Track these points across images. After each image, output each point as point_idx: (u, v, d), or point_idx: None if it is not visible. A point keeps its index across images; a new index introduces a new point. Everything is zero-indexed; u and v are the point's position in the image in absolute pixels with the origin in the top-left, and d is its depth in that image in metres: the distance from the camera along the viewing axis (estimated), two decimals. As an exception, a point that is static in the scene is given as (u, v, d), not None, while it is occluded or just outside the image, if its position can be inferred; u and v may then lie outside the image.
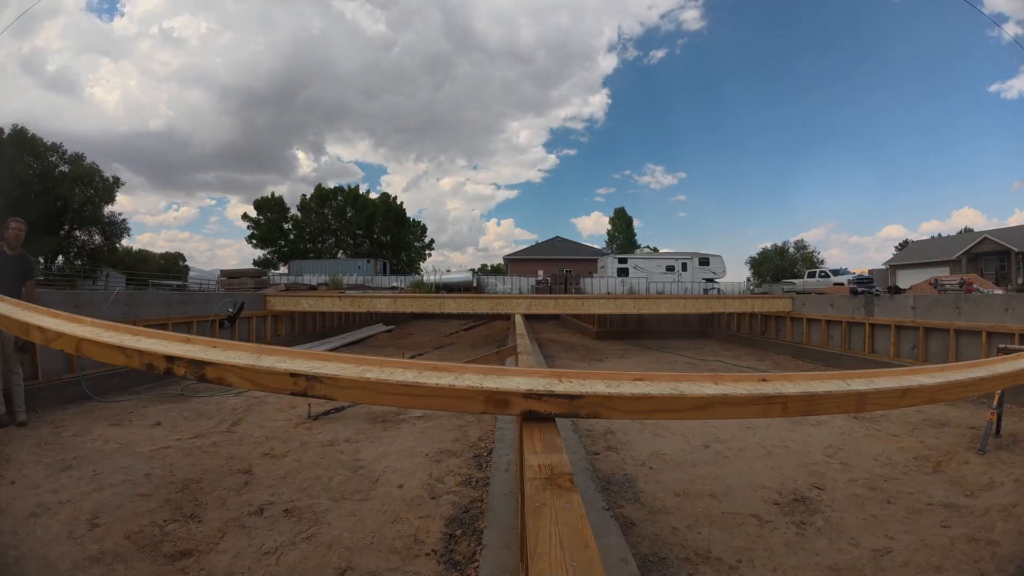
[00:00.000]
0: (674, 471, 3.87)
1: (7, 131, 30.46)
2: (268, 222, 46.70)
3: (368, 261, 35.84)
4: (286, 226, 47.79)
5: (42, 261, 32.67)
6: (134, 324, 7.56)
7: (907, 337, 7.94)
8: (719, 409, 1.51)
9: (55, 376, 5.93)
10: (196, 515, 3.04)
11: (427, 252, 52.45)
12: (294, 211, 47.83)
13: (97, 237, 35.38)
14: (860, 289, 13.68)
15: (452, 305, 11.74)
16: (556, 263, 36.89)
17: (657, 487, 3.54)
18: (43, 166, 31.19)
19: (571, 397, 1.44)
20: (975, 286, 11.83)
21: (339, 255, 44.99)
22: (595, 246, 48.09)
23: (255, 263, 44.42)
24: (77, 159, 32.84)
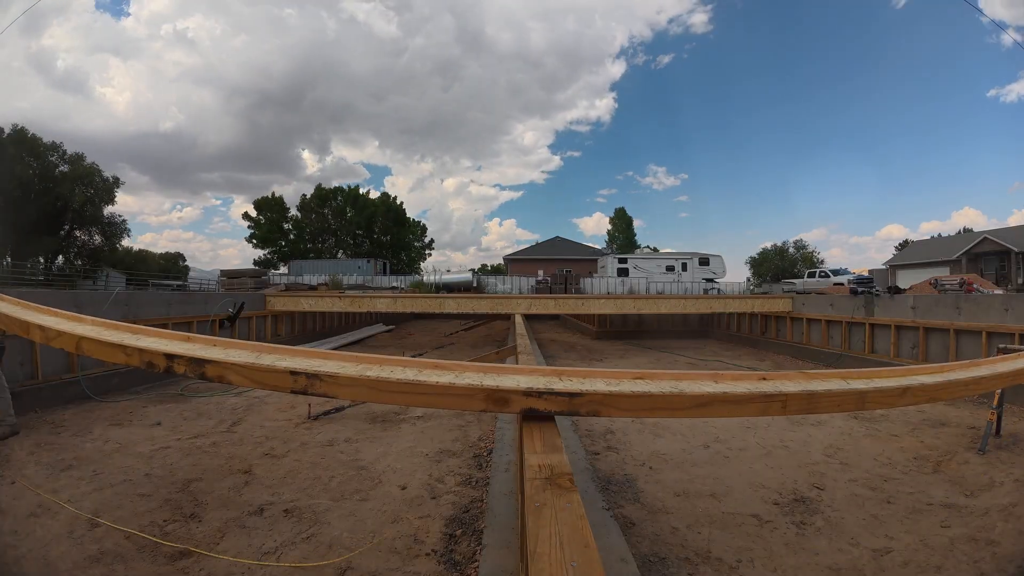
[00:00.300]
0: (674, 471, 3.87)
1: (7, 131, 30.46)
2: (268, 222, 46.70)
3: (368, 261, 35.81)
4: (286, 226, 47.79)
5: (42, 261, 32.69)
6: (134, 324, 7.55)
7: (907, 337, 7.93)
8: (719, 407, 1.51)
9: (55, 376, 5.93)
10: (196, 515, 3.04)
11: (427, 252, 52.45)
12: (294, 211, 47.85)
13: (97, 237, 35.37)
14: (860, 289, 13.68)
15: (452, 305, 11.72)
16: (556, 263, 36.87)
17: (657, 487, 3.54)
18: (43, 166, 31.19)
19: (571, 395, 1.44)
20: (975, 286, 11.82)
21: (339, 255, 44.99)
22: (595, 246, 48.10)
23: (255, 263, 44.41)
24: (77, 159, 32.84)
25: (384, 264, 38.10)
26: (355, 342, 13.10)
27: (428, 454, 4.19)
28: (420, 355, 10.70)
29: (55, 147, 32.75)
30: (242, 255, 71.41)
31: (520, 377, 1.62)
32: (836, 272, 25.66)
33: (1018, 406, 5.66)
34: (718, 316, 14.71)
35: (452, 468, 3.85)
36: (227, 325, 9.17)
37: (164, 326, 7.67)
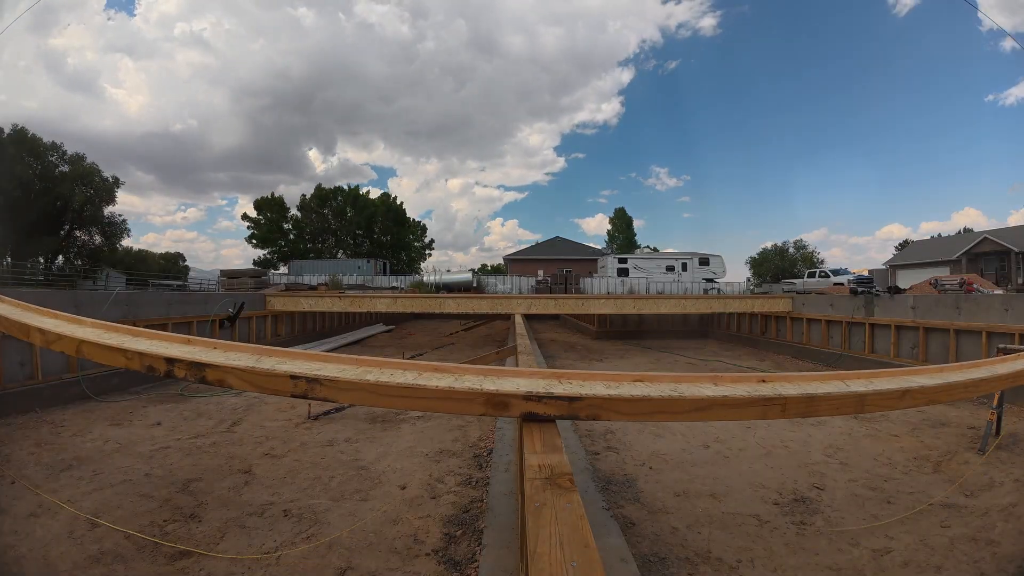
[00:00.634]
0: (674, 471, 3.87)
1: (7, 131, 30.45)
2: (268, 222, 46.69)
3: (368, 261, 35.82)
4: (286, 226, 47.79)
5: (42, 261, 32.69)
6: (134, 324, 7.54)
7: (907, 337, 7.93)
8: (718, 411, 1.51)
9: (55, 376, 5.93)
10: (196, 515, 3.04)
11: (427, 252, 52.47)
12: (294, 211, 47.84)
13: (97, 237, 35.38)
14: (860, 289, 13.67)
15: (452, 305, 11.69)
16: (556, 263, 36.88)
17: (657, 487, 3.54)
18: (43, 166, 31.19)
19: (571, 399, 1.44)
20: (975, 286, 11.82)
21: (339, 255, 44.99)
22: (596, 246, 48.11)
23: (255, 263, 44.43)
24: (77, 159, 32.84)
25: (384, 264, 38.11)
26: (355, 342, 13.10)
27: (428, 454, 4.19)
28: (420, 355, 10.70)
29: (55, 147, 32.74)
30: (244, 255, 71.52)
31: (520, 380, 1.62)
32: (836, 272, 25.67)
33: (1018, 406, 5.66)
34: (718, 316, 14.71)
35: (452, 468, 3.85)
36: (227, 325, 9.17)
37: (164, 326, 7.68)
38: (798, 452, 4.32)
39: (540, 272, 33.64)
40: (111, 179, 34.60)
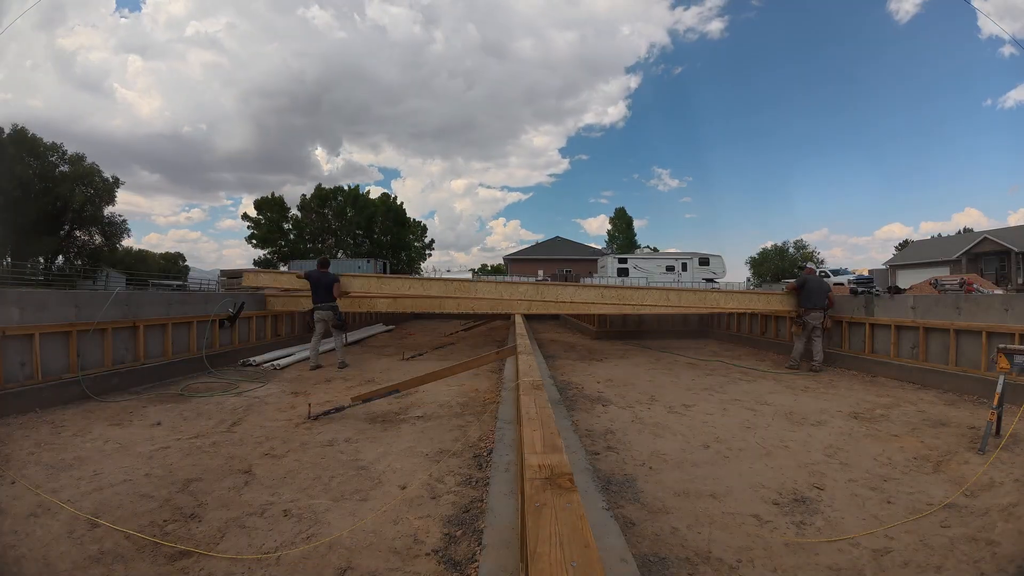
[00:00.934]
0: (674, 471, 3.87)
1: (7, 131, 30.44)
2: (268, 222, 46.69)
3: (368, 261, 35.84)
4: (286, 226, 47.78)
5: (42, 261, 32.67)
6: (135, 324, 7.53)
7: (907, 337, 7.93)
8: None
9: (55, 376, 5.93)
10: (196, 515, 3.04)
11: (427, 252, 52.50)
12: (294, 211, 47.83)
13: (97, 237, 35.40)
14: (860, 289, 13.68)
15: (451, 305, 11.60)
16: (556, 263, 36.90)
17: (657, 487, 3.54)
18: (43, 166, 31.21)
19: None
20: (975, 286, 11.82)
21: (339, 255, 44.99)
22: (596, 246, 48.11)
23: (255, 263, 44.45)
24: (77, 159, 32.85)
25: (384, 264, 38.12)
26: (355, 342, 13.10)
27: (428, 454, 4.19)
28: (420, 355, 10.70)
29: (55, 147, 32.74)
30: (246, 255, 71.70)
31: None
32: (836, 272, 25.67)
33: (1018, 406, 5.65)
34: (718, 316, 14.69)
35: (452, 468, 3.85)
36: (227, 325, 9.14)
37: (164, 326, 7.68)
38: (798, 452, 4.32)
39: (540, 272, 33.64)
40: (111, 179, 34.62)
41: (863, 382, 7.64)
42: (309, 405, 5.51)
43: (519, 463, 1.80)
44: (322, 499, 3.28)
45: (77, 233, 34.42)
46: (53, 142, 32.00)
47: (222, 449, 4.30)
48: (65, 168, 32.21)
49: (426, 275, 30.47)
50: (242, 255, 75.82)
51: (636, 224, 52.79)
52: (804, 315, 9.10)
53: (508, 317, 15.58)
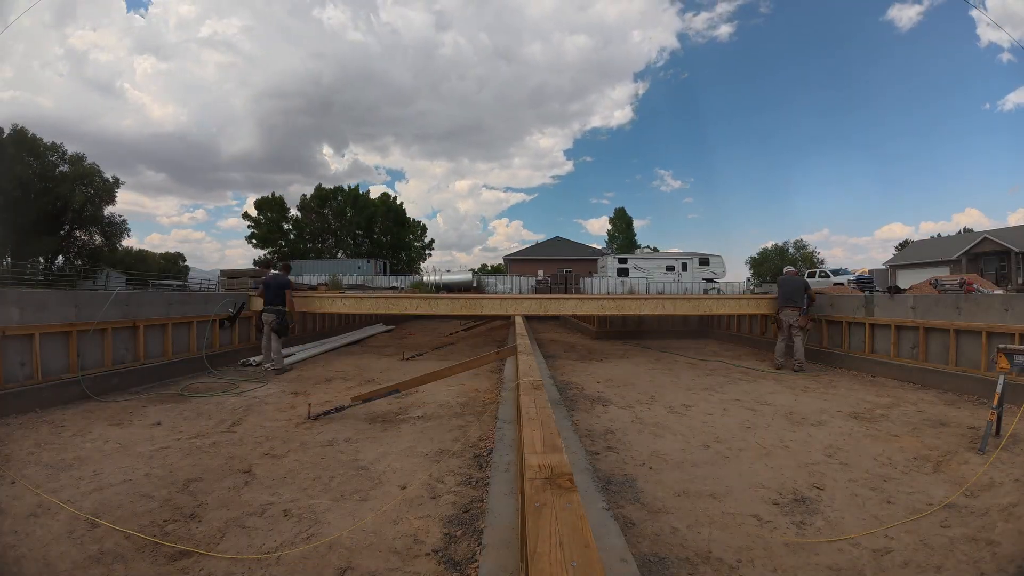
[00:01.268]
0: (674, 471, 3.87)
1: (7, 131, 30.44)
2: (268, 222, 46.70)
3: (368, 261, 35.86)
4: (286, 226, 47.78)
5: (42, 261, 32.67)
6: (135, 324, 7.52)
7: (907, 337, 7.93)
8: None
9: (55, 376, 5.93)
10: (196, 515, 3.04)
11: (427, 252, 52.52)
12: (294, 211, 47.84)
13: (97, 237, 35.40)
14: (860, 289, 13.68)
15: (445, 307, 11.15)
16: (556, 263, 36.88)
17: (657, 487, 3.54)
18: (43, 166, 31.21)
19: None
20: (975, 286, 11.81)
21: (339, 255, 45.00)
22: (596, 246, 48.11)
23: (255, 263, 44.45)
24: (77, 159, 32.85)
25: (384, 264, 38.12)
26: (355, 342, 13.11)
27: (428, 454, 4.19)
28: (420, 355, 10.70)
29: (55, 147, 32.73)
30: (248, 255, 71.87)
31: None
32: (836, 272, 25.66)
33: (1018, 406, 5.65)
34: (718, 316, 14.69)
35: (452, 468, 3.85)
36: (227, 326, 9.12)
37: (164, 326, 7.68)
38: (798, 452, 4.32)
39: (540, 272, 33.61)
40: (111, 179, 34.59)
41: (863, 382, 7.64)
42: (309, 405, 5.51)
43: (519, 463, 1.80)
44: (322, 499, 3.28)
45: (77, 233, 34.42)
46: (53, 142, 32.02)
47: (222, 449, 4.30)
48: (65, 168, 32.21)
49: (426, 275, 30.41)
50: (244, 255, 76.01)
51: (638, 224, 53.00)
52: (778, 313, 9.16)
53: (508, 317, 15.57)
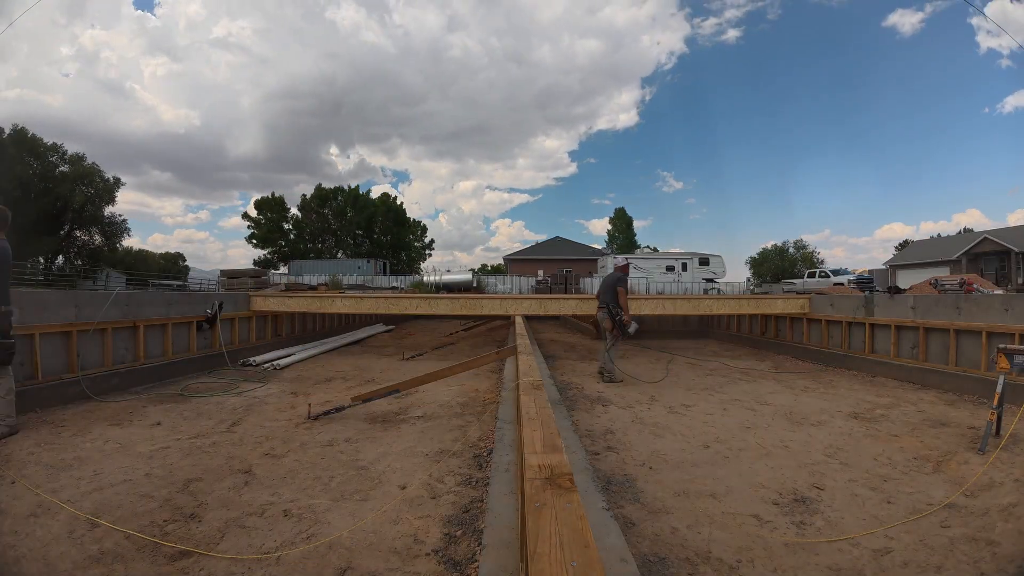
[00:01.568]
0: (674, 471, 3.87)
1: (7, 131, 30.45)
2: (268, 222, 46.69)
3: (368, 261, 35.85)
4: (286, 226, 47.78)
5: (42, 261, 32.65)
6: (135, 324, 7.51)
7: (907, 337, 7.93)
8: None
9: (55, 376, 5.93)
10: (196, 515, 3.04)
11: (427, 252, 52.51)
12: (294, 211, 47.83)
13: (97, 237, 35.40)
14: (860, 289, 13.68)
15: (444, 307, 11.16)
16: (556, 263, 36.87)
17: (657, 487, 3.54)
18: (43, 166, 31.21)
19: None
20: (975, 286, 11.81)
21: (339, 255, 44.98)
22: (596, 246, 48.12)
23: (255, 263, 44.45)
24: (77, 159, 32.85)
25: (384, 264, 38.10)
26: (355, 342, 13.11)
27: (428, 454, 4.19)
28: (420, 355, 10.70)
29: (55, 147, 32.73)
30: (249, 255, 71.86)
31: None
32: (836, 272, 25.66)
33: (1018, 406, 5.65)
34: (718, 316, 14.70)
35: (452, 468, 3.85)
36: (206, 328, 8.57)
37: (164, 326, 7.68)
38: (798, 452, 4.32)
39: (540, 272, 33.60)
40: (111, 179, 34.59)
41: (863, 382, 7.64)
42: (309, 405, 5.51)
43: (519, 463, 1.80)
44: (322, 499, 3.28)
45: (77, 233, 34.42)
46: (53, 142, 32.02)
47: (222, 449, 4.30)
48: (65, 168, 32.21)
49: (426, 275, 30.40)
50: (245, 255, 76.05)
51: (640, 225, 53.12)
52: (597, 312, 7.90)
53: (508, 317, 15.56)
